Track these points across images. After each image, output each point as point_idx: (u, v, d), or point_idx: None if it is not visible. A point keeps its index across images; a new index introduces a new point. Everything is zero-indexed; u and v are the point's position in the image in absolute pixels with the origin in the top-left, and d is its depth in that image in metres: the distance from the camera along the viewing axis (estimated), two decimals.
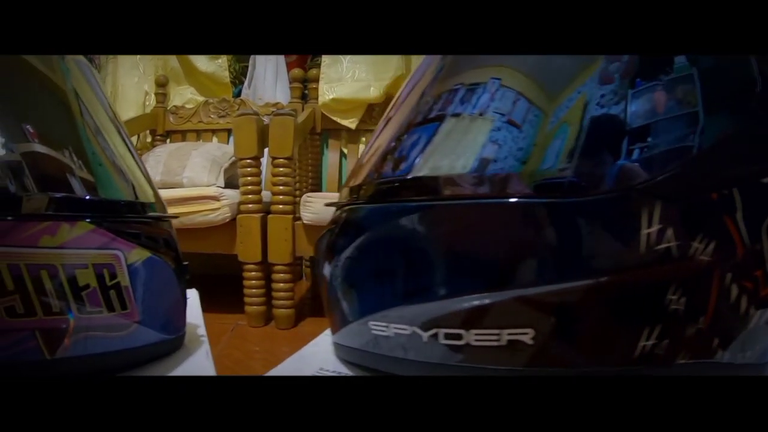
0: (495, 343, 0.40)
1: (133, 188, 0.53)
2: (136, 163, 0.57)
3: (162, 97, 2.29)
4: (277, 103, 2.19)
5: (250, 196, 1.60)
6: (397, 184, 0.46)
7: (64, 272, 0.41)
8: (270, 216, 1.62)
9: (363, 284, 0.48)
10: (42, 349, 0.41)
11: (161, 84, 2.29)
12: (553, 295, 0.37)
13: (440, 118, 0.46)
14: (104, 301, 0.45)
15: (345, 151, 2.22)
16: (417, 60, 2.17)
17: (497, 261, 0.40)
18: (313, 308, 1.87)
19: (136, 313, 0.48)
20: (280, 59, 2.28)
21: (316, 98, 2.16)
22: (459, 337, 0.41)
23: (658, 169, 0.37)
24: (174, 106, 2.29)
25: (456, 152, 0.43)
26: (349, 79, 2.13)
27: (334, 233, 0.51)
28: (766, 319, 0.39)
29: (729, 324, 0.38)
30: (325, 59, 2.16)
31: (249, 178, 1.61)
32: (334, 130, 2.21)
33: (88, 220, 0.44)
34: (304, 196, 1.63)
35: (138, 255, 0.49)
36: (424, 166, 0.44)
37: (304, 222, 1.61)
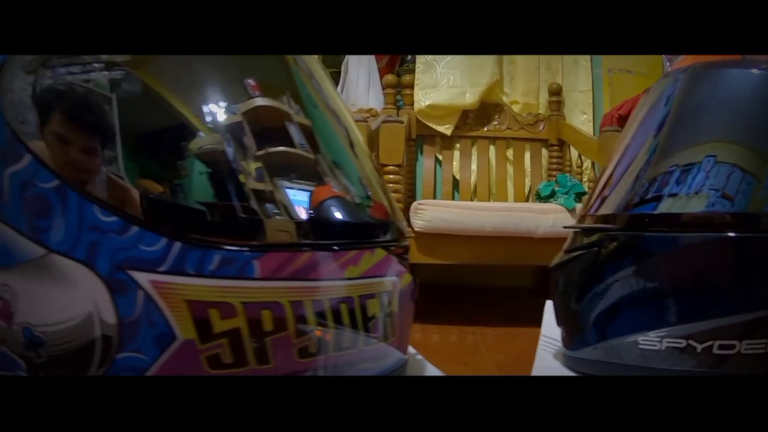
0: (762, 351, 0.45)
1: (392, 208, 0.55)
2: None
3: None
4: (371, 109, 2.24)
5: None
6: (662, 218, 0.50)
7: (359, 303, 0.42)
8: None
9: (636, 306, 0.52)
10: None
11: None
12: None
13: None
14: (383, 330, 0.46)
15: (440, 157, 2.26)
16: (509, 65, 2.21)
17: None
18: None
19: (398, 340, 0.51)
20: (372, 65, 2.34)
21: (410, 104, 2.20)
22: (732, 347, 0.46)
23: None
24: None
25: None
26: (444, 85, 2.18)
27: (593, 258, 0.54)
28: None
29: None
30: (419, 65, 2.22)
31: (391, 185, 1.64)
32: (429, 136, 2.26)
33: (382, 246, 0.46)
34: (414, 204, 1.68)
35: (406, 279, 0.53)
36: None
37: (415, 230, 1.65)
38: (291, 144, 0.41)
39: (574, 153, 2.19)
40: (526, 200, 2.22)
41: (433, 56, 2.21)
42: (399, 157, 1.67)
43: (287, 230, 0.35)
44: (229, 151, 0.36)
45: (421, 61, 2.23)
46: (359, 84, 2.31)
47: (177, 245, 0.31)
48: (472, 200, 2.23)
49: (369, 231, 0.46)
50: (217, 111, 0.39)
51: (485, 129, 2.26)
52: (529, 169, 2.26)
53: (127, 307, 0.30)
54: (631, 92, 2.25)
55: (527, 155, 2.27)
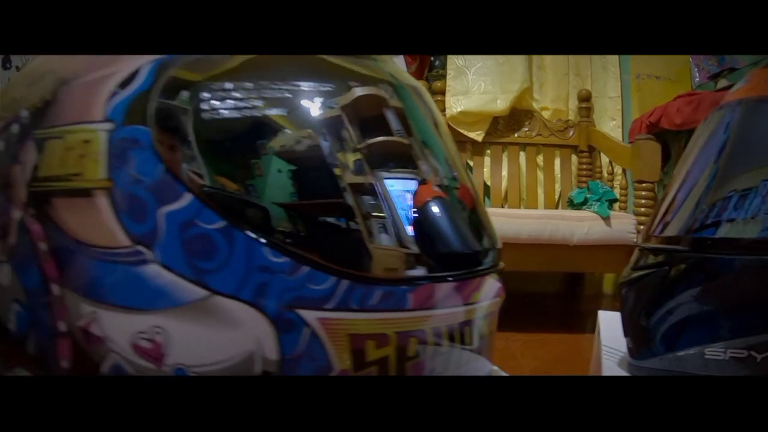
0: None
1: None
2: None
3: None
4: None
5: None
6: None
7: (476, 326, 0.44)
8: None
9: (702, 321, 0.56)
10: None
11: None
12: None
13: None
14: (488, 347, 0.49)
15: (471, 163, 2.30)
16: (539, 72, 2.25)
17: None
18: None
19: (486, 350, 0.55)
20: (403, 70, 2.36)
21: (442, 110, 2.24)
22: None
23: None
24: None
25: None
26: (475, 91, 2.22)
27: (665, 275, 0.58)
28: None
29: None
30: (450, 71, 2.26)
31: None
32: (460, 143, 2.29)
33: (495, 270, 0.50)
34: None
35: (503, 298, 0.57)
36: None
37: None
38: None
39: (604, 159, 2.23)
40: (556, 206, 2.25)
41: (463, 63, 2.26)
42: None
43: (431, 264, 0.38)
44: (394, 203, 0.38)
45: (452, 67, 2.27)
46: None
47: (344, 283, 0.34)
48: (503, 206, 2.26)
49: (486, 257, 0.49)
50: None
51: (515, 135, 2.29)
52: (559, 176, 2.29)
53: (292, 344, 0.32)
54: (660, 98, 2.30)
55: (557, 161, 2.31)
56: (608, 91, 2.39)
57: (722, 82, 2.22)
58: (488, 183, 2.30)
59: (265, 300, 0.32)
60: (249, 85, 0.35)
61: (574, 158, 2.31)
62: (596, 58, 2.41)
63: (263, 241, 0.32)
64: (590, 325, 2.09)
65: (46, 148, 0.32)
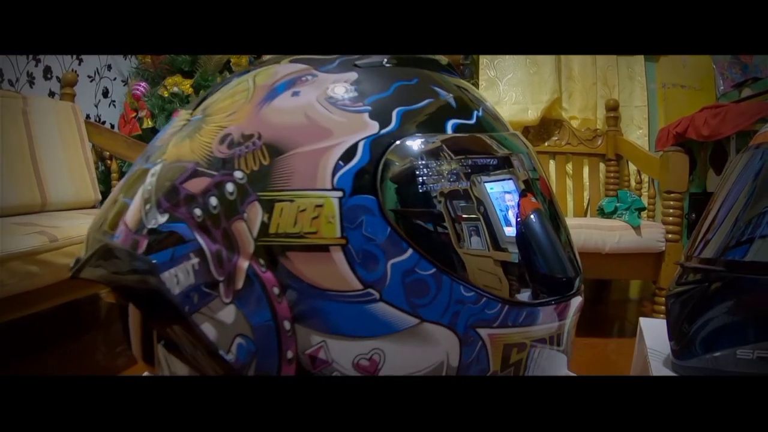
0: None
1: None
2: None
3: None
4: None
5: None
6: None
7: (567, 332, 0.55)
8: None
9: (735, 328, 0.68)
10: None
11: None
12: None
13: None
14: (566, 351, 0.60)
15: None
16: (567, 82, 2.31)
17: None
18: None
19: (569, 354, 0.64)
20: None
21: None
22: None
23: None
24: None
25: None
26: (507, 102, 2.30)
27: (706, 290, 0.71)
28: None
29: None
30: (482, 82, 2.34)
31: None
32: None
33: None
34: None
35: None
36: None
37: None
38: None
39: (631, 167, 2.30)
40: (585, 214, 2.33)
41: (495, 74, 2.34)
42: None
43: (552, 290, 0.50)
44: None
45: (484, 78, 2.35)
46: None
47: (507, 307, 0.44)
48: None
49: (578, 280, 0.57)
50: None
51: (546, 144, 2.37)
52: (588, 183, 2.37)
53: (469, 353, 0.43)
54: (685, 106, 2.40)
55: (586, 170, 2.39)
56: (635, 100, 2.48)
57: (746, 91, 2.30)
58: None
59: (458, 323, 0.43)
60: (440, 166, 0.44)
61: (602, 166, 2.38)
62: (623, 67, 2.51)
63: (460, 281, 0.43)
64: (617, 330, 2.17)
65: (276, 209, 0.39)
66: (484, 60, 2.36)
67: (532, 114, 2.29)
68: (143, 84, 2.27)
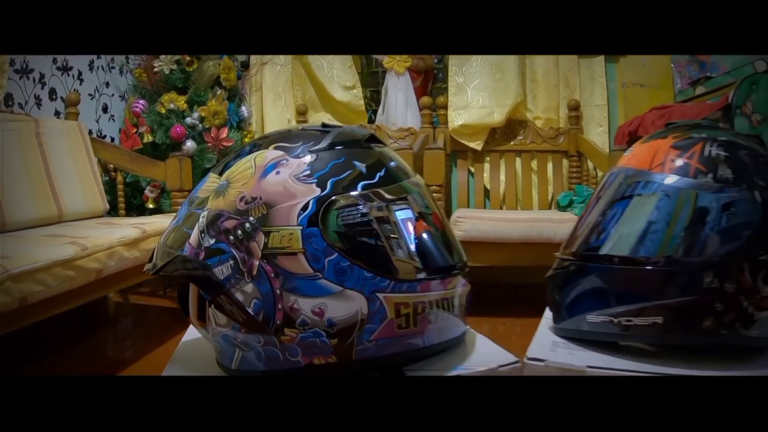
0: (647, 324, 0.99)
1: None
2: None
3: (303, 123, 2.94)
4: (410, 128, 2.82)
5: None
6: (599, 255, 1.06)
7: (453, 302, 0.98)
8: None
9: (587, 299, 1.06)
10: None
11: (302, 112, 2.96)
12: (677, 302, 0.96)
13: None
14: (459, 312, 1.03)
15: (472, 169, 2.83)
16: (532, 85, 2.76)
17: (649, 292, 0.99)
18: None
19: (463, 318, 1.08)
20: (409, 88, 2.91)
21: (445, 123, 2.77)
22: (630, 321, 0.99)
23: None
24: None
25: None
26: (474, 106, 2.74)
27: (567, 273, 1.10)
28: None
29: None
30: (451, 88, 2.78)
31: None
32: (462, 152, 2.82)
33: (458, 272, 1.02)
34: (453, 216, 2.25)
35: (468, 287, 1.08)
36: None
37: None
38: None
39: (590, 164, 2.74)
40: (549, 207, 2.78)
41: (463, 80, 2.78)
42: (441, 179, 2.25)
43: (429, 269, 0.92)
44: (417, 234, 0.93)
45: (453, 84, 2.79)
46: (398, 106, 2.88)
47: (393, 282, 0.85)
48: (501, 208, 2.80)
49: (457, 266, 1.01)
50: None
51: (511, 143, 2.82)
52: (552, 179, 2.82)
53: (373, 307, 0.84)
54: (644, 104, 2.78)
55: (550, 166, 2.83)
56: (595, 99, 2.91)
57: (700, 89, 2.67)
58: (488, 187, 2.83)
59: (365, 290, 0.84)
60: (365, 199, 0.88)
61: (565, 162, 2.83)
62: (584, 69, 2.93)
63: (363, 268, 0.84)
64: None
65: (270, 236, 0.83)
66: (453, 68, 2.80)
67: (498, 117, 2.74)
68: (142, 101, 2.69)
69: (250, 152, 0.92)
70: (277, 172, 0.86)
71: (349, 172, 0.87)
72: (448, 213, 2.48)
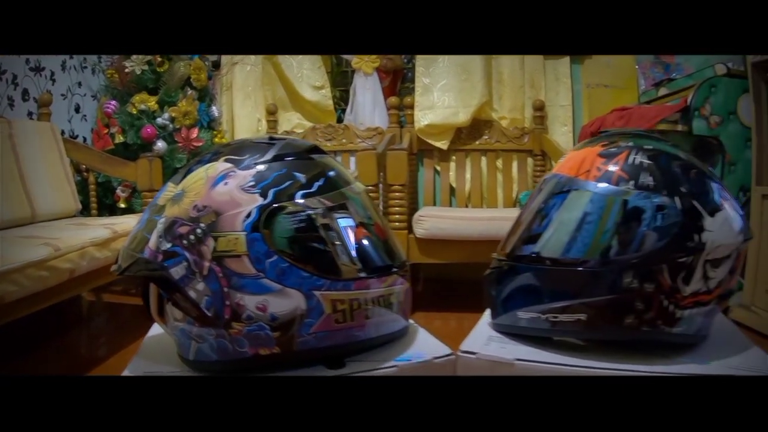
0: (571, 320, 1.11)
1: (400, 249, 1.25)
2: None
3: (273, 123, 3.09)
4: (377, 128, 2.95)
5: None
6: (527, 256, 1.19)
7: (388, 297, 1.11)
8: None
9: (518, 296, 1.17)
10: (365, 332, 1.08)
11: (271, 112, 3.09)
12: (598, 301, 1.07)
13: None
14: (398, 309, 1.16)
15: (438, 168, 2.97)
16: (498, 85, 2.90)
17: (572, 291, 1.11)
18: (416, 305, 2.60)
19: (404, 314, 1.21)
20: (377, 88, 3.04)
21: (412, 123, 2.91)
22: (556, 317, 1.11)
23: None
24: (284, 131, 3.07)
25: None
26: (440, 106, 2.88)
27: (501, 272, 1.23)
28: (691, 314, 1.09)
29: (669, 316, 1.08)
30: (418, 89, 2.92)
31: (397, 200, 2.35)
32: (428, 151, 2.96)
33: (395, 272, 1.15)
34: (415, 215, 2.38)
35: (406, 286, 1.21)
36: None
37: (417, 236, 2.36)
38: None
39: (554, 163, 2.87)
40: (514, 205, 2.92)
41: (430, 81, 2.91)
42: (403, 178, 2.36)
43: (364, 269, 1.05)
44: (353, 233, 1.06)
45: (420, 85, 2.92)
46: (366, 106, 3.01)
47: (329, 281, 0.98)
48: (467, 206, 2.94)
49: (395, 265, 1.15)
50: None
51: (477, 143, 2.96)
52: (517, 177, 2.96)
53: (311, 302, 0.96)
54: (608, 104, 2.91)
55: (514, 165, 2.97)
56: (560, 100, 3.05)
57: (663, 90, 2.80)
58: (454, 185, 2.97)
59: (303, 288, 0.97)
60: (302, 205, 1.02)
61: (529, 161, 2.97)
62: (550, 70, 3.06)
63: (302, 269, 0.97)
64: None
65: (219, 240, 0.96)
66: (420, 68, 2.92)
67: (463, 117, 2.87)
68: (113, 102, 2.80)
69: (205, 163, 1.04)
70: (226, 183, 0.98)
71: (290, 182, 1.00)
72: (414, 211, 2.59)
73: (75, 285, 1.92)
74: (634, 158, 1.07)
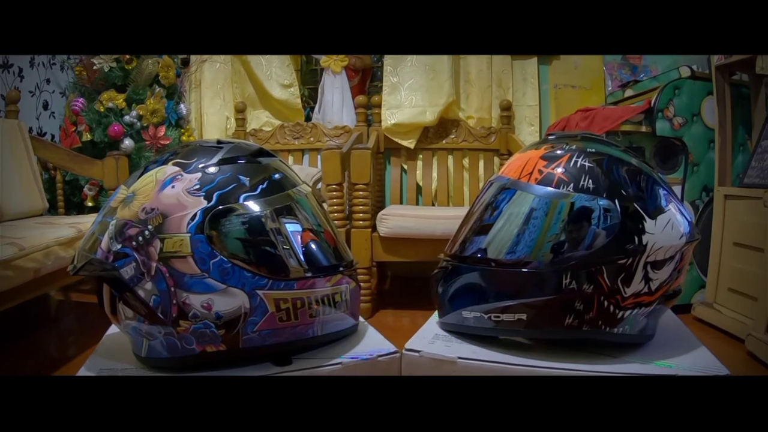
0: (512, 319, 1.17)
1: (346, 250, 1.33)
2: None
3: (242, 121, 3.15)
4: (345, 126, 3.02)
5: (336, 213, 2.38)
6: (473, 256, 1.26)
7: (333, 296, 1.17)
8: (352, 230, 2.45)
9: (463, 295, 1.23)
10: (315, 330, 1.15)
11: (240, 110, 3.15)
12: (538, 301, 1.12)
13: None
14: (345, 307, 1.21)
15: (405, 167, 3.05)
16: (465, 85, 2.98)
17: (513, 291, 1.17)
18: (383, 303, 2.70)
19: (351, 313, 1.28)
20: (345, 87, 3.11)
21: (379, 122, 2.98)
22: (499, 317, 1.18)
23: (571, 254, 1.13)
24: (253, 129, 3.14)
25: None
26: (407, 105, 2.95)
27: (446, 272, 1.29)
28: (633, 314, 1.12)
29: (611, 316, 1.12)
30: (386, 88, 2.98)
31: (335, 200, 2.41)
32: (395, 149, 3.04)
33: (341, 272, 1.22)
34: (379, 214, 2.45)
35: (353, 285, 1.29)
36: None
37: (381, 235, 2.43)
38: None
39: None
40: None
41: (397, 80, 2.98)
42: (367, 177, 2.41)
43: (307, 269, 1.11)
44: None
45: (387, 84, 2.99)
46: (334, 104, 3.08)
47: (271, 281, 1.04)
48: (433, 204, 3.01)
49: (340, 265, 1.22)
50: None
51: (444, 142, 3.04)
52: (483, 176, 3.03)
53: (254, 301, 1.02)
54: (575, 105, 2.98)
55: (481, 164, 3.05)
56: (527, 100, 3.12)
57: (629, 92, 2.86)
58: (420, 184, 3.04)
59: (246, 288, 1.03)
60: (244, 209, 1.09)
61: (496, 161, 3.04)
62: (517, 70, 3.13)
63: (245, 269, 1.03)
64: None
65: (165, 241, 1.01)
66: (387, 68, 2.97)
67: (430, 116, 2.93)
68: (81, 100, 2.83)
69: (158, 166, 1.10)
70: (173, 186, 1.04)
71: (234, 185, 1.06)
72: (381, 209, 2.66)
73: (40, 284, 1.95)
74: (576, 161, 1.09)
